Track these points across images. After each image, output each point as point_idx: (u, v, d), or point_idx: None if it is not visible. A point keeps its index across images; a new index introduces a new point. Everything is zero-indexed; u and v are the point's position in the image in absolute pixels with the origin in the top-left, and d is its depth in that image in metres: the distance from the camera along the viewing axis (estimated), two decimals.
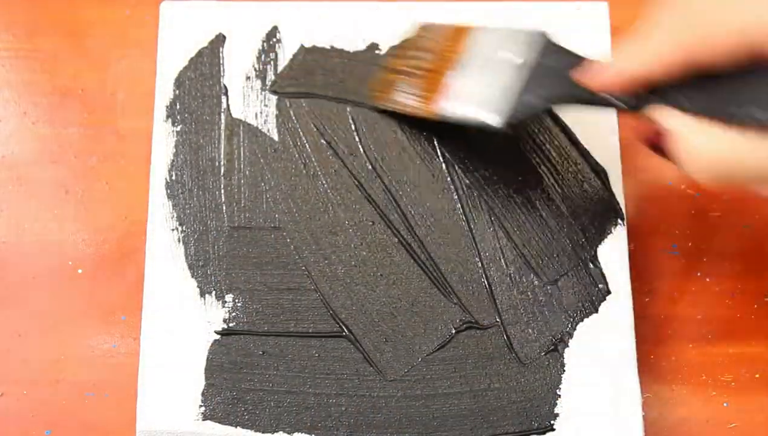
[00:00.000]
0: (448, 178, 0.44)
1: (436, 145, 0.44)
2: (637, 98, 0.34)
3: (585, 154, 0.44)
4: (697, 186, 0.47)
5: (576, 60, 0.36)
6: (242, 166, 0.44)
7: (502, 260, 0.43)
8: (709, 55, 0.30)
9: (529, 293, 0.42)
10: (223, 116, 0.45)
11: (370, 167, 0.44)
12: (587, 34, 0.46)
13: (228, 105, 0.45)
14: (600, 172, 0.44)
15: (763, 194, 0.32)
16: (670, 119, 0.32)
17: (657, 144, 0.35)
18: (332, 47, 0.46)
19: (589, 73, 0.35)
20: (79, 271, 0.45)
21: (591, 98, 0.35)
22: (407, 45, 0.45)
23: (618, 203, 0.44)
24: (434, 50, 0.43)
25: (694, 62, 0.31)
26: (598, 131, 0.44)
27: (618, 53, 0.33)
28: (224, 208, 0.44)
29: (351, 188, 0.44)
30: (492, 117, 0.38)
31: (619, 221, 0.43)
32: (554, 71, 0.37)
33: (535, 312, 0.42)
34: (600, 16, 0.46)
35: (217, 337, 0.42)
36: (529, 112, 0.38)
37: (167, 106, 0.45)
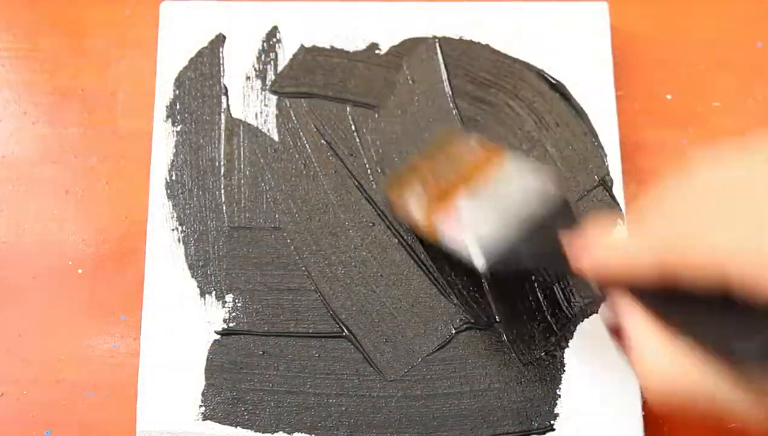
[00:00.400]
0: None
1: None
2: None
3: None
4: None
5: (570, 224, 0.36)
6: (242, 166, 0.44)
7: None
8: (687, 277, 0.28)
9: (529, 293, 0.42)
10: (223, 116, 0.45)
11: (370, 167, 0.44)
12: (587, 34, 0.46)
13: (228, 105, 0.45)
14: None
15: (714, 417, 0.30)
16: (632, 323, 0.30)
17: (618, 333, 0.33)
18: (332, 47, 0.46)
19: (576, 249, 0.34)
20: (79, 271, 0.45)
21: (570, 274, 0.37)
22: (439, 146, 0.43)
23: (618, 203, 0.44)
24: (460, 164, 0.40)
25: (673, 279, 0.28)
26: (597, 132, 0.44)
27: (604, 246, 0.32)
28: (224, 208, 0.44)
29: (351, 189, 0.44)
30: (479, 260, 0.37)
31: (619, 221, 0.43)
32: (550, 234, 0.36)
33: (535, 312, 0.42)
34: (600, 16, 0.46)
35: (217, 337, 0.42)
36: (512, 268, 0.38)
37: (167, 106, 0.45)
